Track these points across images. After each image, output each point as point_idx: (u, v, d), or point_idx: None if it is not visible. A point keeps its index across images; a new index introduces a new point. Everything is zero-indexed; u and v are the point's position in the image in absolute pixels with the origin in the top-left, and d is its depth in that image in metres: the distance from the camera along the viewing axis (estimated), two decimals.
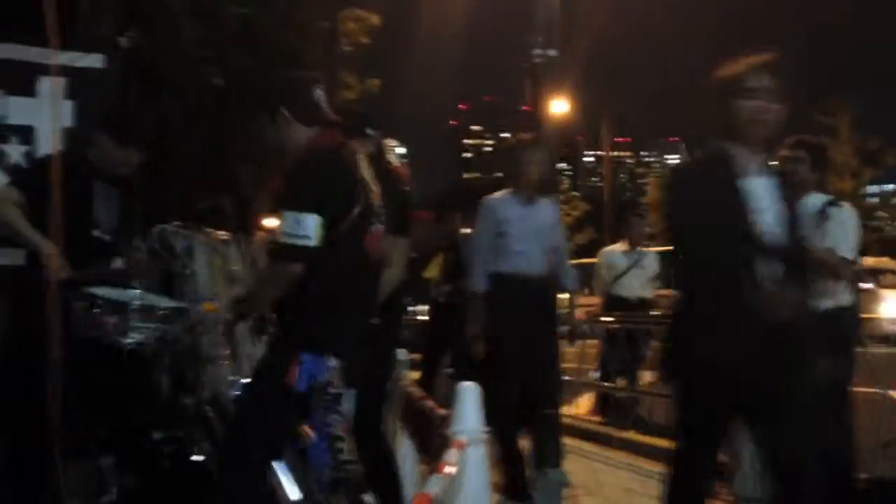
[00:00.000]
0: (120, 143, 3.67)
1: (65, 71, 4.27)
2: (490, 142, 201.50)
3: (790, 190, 3.03)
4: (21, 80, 4.30)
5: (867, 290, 12.76)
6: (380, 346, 3.38)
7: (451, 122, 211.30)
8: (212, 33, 6.49)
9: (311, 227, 2.56)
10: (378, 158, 3.33)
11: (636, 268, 7.17)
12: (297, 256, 2.59)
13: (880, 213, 40.65)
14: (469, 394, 3.04)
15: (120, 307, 3.46)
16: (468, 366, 6.72)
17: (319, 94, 2.88)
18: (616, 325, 7.18)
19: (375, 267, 2.89)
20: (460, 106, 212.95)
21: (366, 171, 2.84)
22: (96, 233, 3.72)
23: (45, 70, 4.10)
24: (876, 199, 40.06)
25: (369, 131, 3.56)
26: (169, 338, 3.60)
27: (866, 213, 29.31)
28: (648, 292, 7.28)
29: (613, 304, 7.24)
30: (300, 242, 2.56)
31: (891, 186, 44.01)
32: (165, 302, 3.73)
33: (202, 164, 8.40)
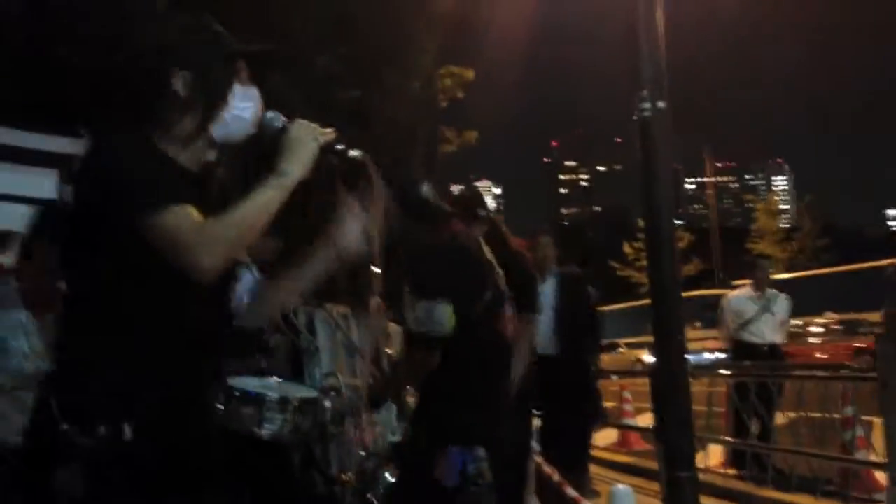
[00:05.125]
0: None
1: None
2: (585, 175, 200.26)
3: None
4: None
5: None
6: (518, 425, 3.33)
7: (543, 159, 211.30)
8: (324, 115, 6.68)
9: (443, 316, 2.59)
10: (498, 239, 3.33)
11: (766, 313, 6.87)
12: (432, 345, 2.61)
13: None
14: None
15: (256, 400, 3.53)
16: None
17: (427, 189, 2.93)
18: (745, 378, 6.84)
19: (509, 348, 2.88)
20: (552, 143, 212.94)
21: (489, 254, 2.87)
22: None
23: None
24: None
25: (481, 212, 3.57)
26: (302, 429, 3.64)
27: None
28: (780, 337, 6.96)
29: (741, 351, 6.94)
30: (433, 331, 2.59)
31: None
32: (301, 392, 3.78)
33: (311, 227, 8.61)
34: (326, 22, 6.99)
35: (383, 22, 7.54)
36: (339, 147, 1.89)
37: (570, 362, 5.44)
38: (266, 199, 1.76)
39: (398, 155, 7.44)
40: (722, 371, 7.25)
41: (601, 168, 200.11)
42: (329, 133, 1.88)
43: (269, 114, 1.88)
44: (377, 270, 2.44)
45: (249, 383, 3.63)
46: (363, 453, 4.25)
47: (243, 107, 1.85)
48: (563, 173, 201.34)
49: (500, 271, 2.89)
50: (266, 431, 3.52)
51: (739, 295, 7.16)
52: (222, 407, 3.47)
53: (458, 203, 3.29)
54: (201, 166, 1.88)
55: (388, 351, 5.92)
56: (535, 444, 4.38)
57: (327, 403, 4.03)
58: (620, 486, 3.00)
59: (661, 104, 5.39)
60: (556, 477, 4.27)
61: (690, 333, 7.48)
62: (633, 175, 5.53)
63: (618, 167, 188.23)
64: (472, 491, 2.56)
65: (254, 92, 1.87)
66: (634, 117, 5.50)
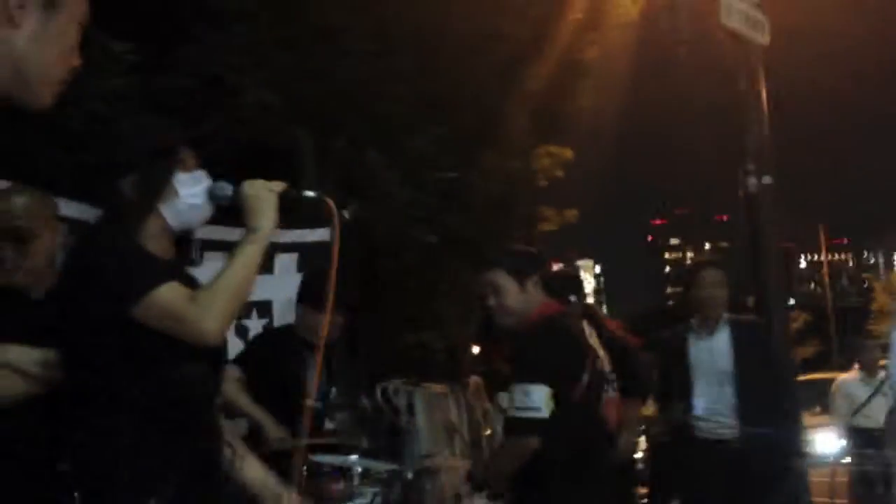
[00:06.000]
0: (316, 309, 3.81)
1: (295, 247, 4.62)
2: (690, 254, 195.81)
3: None
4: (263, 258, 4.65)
5: None
6: None
7: (648, 237, 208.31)
8: (422, 196, 6.85)
9: (540, 399, 2.56)
10: (598, 324, 3.31)
11: (878, 395, 6.53)
12: (529, 429, 2.60)
13: None
14: None
15: (342, 473, 3.54)
16: None
17: (573, 269, 2.97)
18: (866, 465, 6.41)
19: (612, 434, 2.83)
20: (654, 222, 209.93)
21: (591, 337, 2.86)
22: (308, 402, 3.84)
23: (280, 247, 4.48)
24: None
25: (571, 297, 3.55)
26: (390, 500, 3.62)
27: None
28: None
29: (858, 436, 6.57)
30: (531, 415, 2.57)
31: None
32: (384, 465, 3.78)
33: (409, 306, 8.75)
34: (420, 103, 7.22)
35: (476, 102, 7.73)
36: (294, 192, 1.99)
37: (761, 447, 3.92)
38: (248, 257, 1.88)
39: (495, 233, 7.51)
40: (843, 460, 6.82)
41: (707, 246, 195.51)
42: (278, 184, 1.97)
43: (216, 185, 1.97)
44: (475, 349, 2.45)
45: (335, 459, 3.66)
46: None
47: (193, 193, 1.94)
48: (668, 251, 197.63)
49: (603, 355, 2.88)
50: None
51: (849, 379, 6.90)
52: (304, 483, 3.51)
53: (551, 286, 3.27)
54: (172, 256, 1.99)
55: (487, 431, 5.85)
56: None
57: (427, 486, 4.00)
58: None
59: (766, 179, 5.31)
60: None
61: (810, 419, 7.14)
62: (742, 253, 5.43)
63: (724, 245, 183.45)
64: None
65: (201, 176, 1.97)
66: (740, 193, 5.43)
